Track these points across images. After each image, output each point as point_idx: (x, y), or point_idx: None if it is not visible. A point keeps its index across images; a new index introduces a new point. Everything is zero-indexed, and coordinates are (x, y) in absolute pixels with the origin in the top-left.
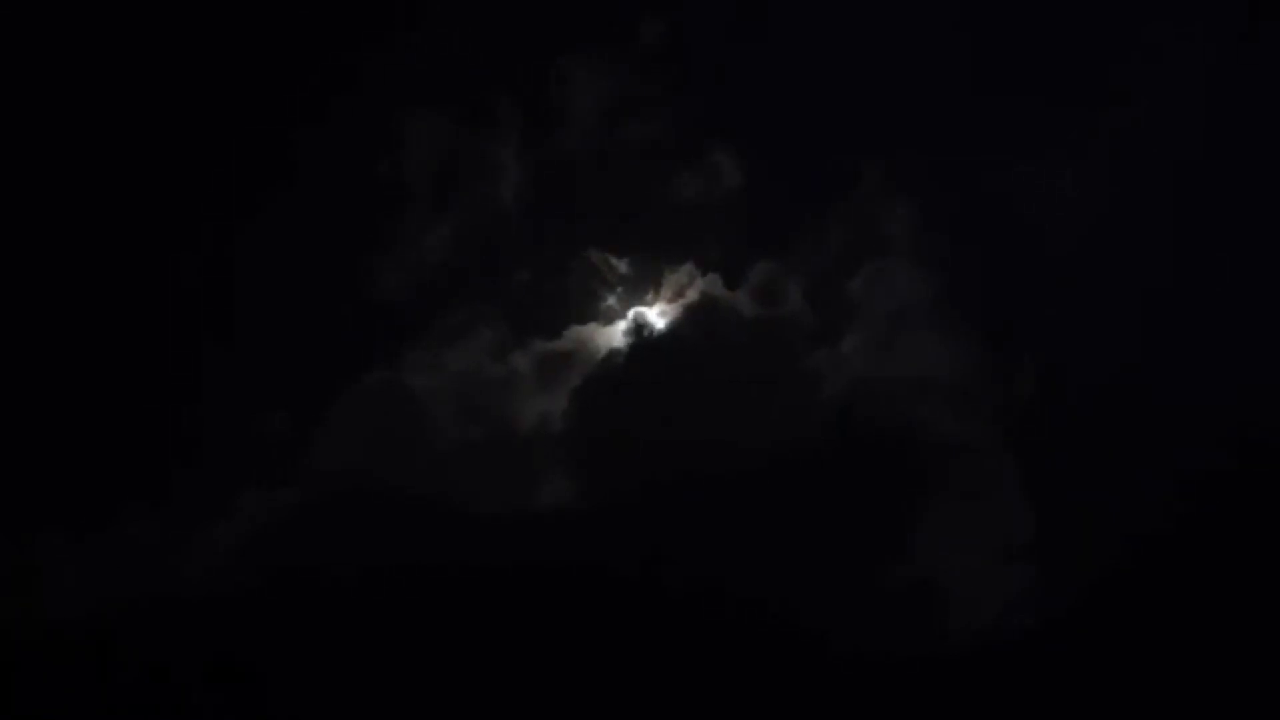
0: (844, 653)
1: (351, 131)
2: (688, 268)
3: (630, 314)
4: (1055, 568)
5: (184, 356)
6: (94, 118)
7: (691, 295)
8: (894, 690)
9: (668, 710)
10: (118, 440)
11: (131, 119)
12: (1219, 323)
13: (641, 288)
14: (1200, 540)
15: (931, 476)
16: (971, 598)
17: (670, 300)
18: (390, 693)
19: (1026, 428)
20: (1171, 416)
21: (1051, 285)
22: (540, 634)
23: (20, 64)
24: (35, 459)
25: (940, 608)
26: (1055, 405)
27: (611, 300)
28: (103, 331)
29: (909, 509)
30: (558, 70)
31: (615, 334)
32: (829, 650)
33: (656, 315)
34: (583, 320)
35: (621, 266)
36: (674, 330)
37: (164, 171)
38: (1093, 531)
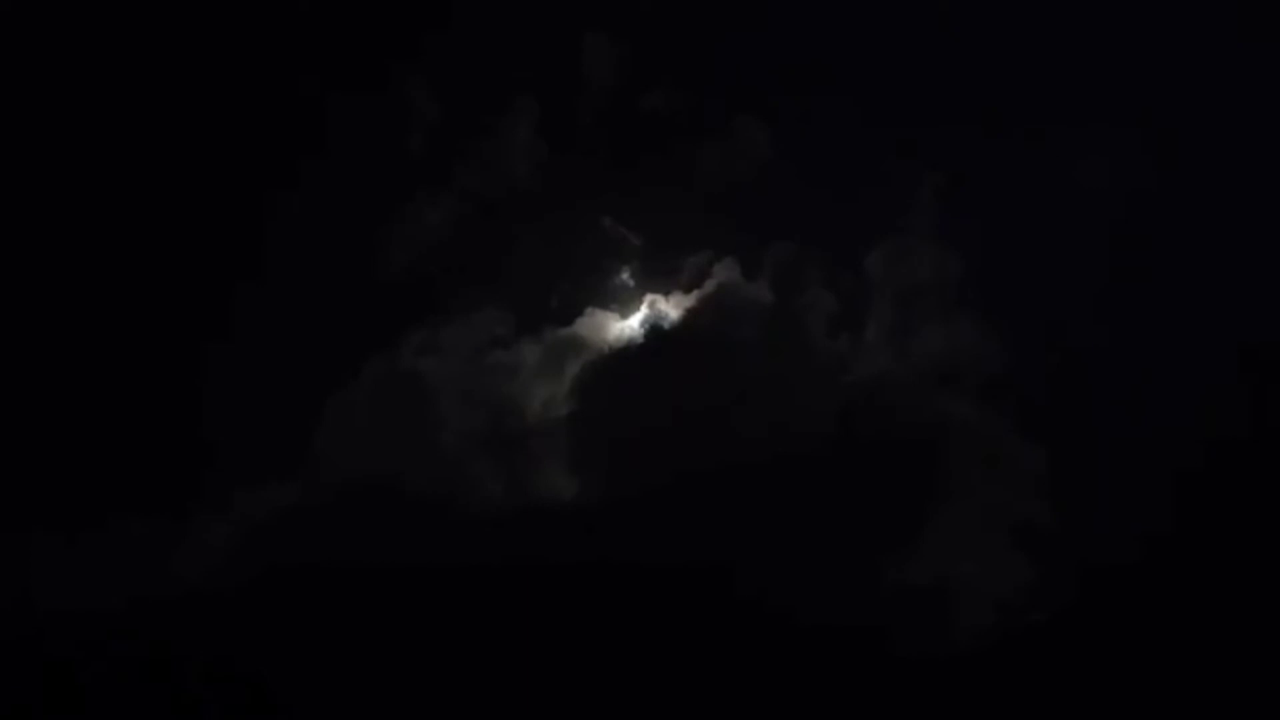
0: (853, 649)
1: (358, 110)
2: (706, 254)
3: (645, 301)
4: (1068, 563)
5: (182, 350)
6: (90, 114)
7: (709, 284)
8: (903, 687)
9: (672, 708)
10: (115, 437)
11: (130, 109)
12: (1246, 318)
13: (655, 269)
14: (1209, 539)
15: (946, 470)
16: (984, 593)
17: (686, 289)
18: (391, 692)
19: (1044, 419)
20: (1190, 411)
21: (1076, 274)
22: (543, 631)
23: (27, 41)
24: (32, 457)
25: (953, 603)
26: (1073, 396)
27: (625, 275)
28: (99, 327)
29: (923, 504)
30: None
31: (630, 324)
32: (839, 647)
33: (672, 305)
34: (594, 298)
35: (634, 238)
36: (690, 320)
37: (158, 160)
38: (1106, 528)
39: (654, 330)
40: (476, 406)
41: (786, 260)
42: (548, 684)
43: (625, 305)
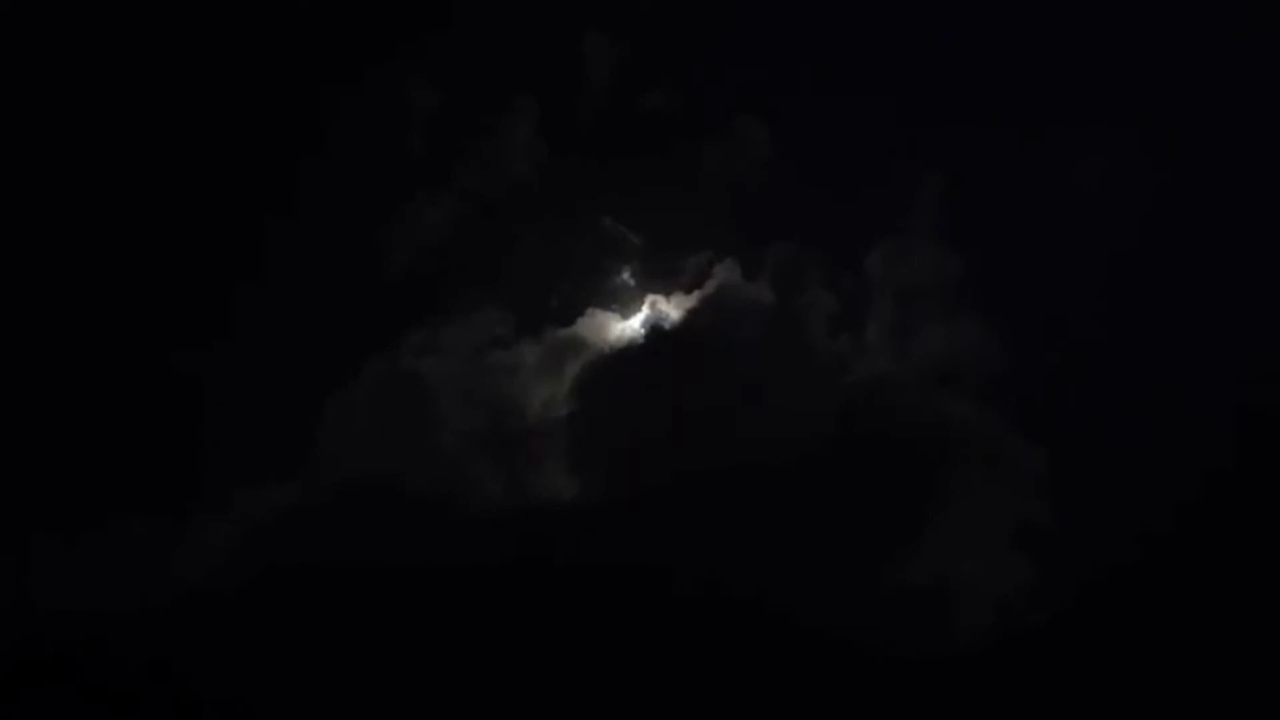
0: (853, 649)
1: (358, 109)
2: (706, 254)
3: (646, 301)
4: (1068, 563)
5: (183, 349)
6: (90, 114)
7: (709, 284)
8: (903, 687)
9: (672, 708)
10: (115, 437)
11: (130, 109)
12: (1246, 318)
13: (656, 269)
14: (1209, 539)
15: (946, 470)
16: (984, 593)
17: (687, 289)
18: (391, 693)
19: (1044, 419)
20: (1190, 411)
21: (1076, 274)
22: (543, 631)
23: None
24: (32, 457)
25: (953, 604)
26: (1074, 396)
27: (625, 275)
28: (99, 327)
29: (923, 504)
30: (577, 42)
31: (631, 324)
32: (839, 647)
33: (673, 305)
34: (595, 298)
35: (634, 238)
36: (691, 320)
37: (158, 160)
38: (1106, 528)
39: (654, 330)
40: (476, 406)
41: (786, 260)
42: (548, 684)
43: (626, 305)
